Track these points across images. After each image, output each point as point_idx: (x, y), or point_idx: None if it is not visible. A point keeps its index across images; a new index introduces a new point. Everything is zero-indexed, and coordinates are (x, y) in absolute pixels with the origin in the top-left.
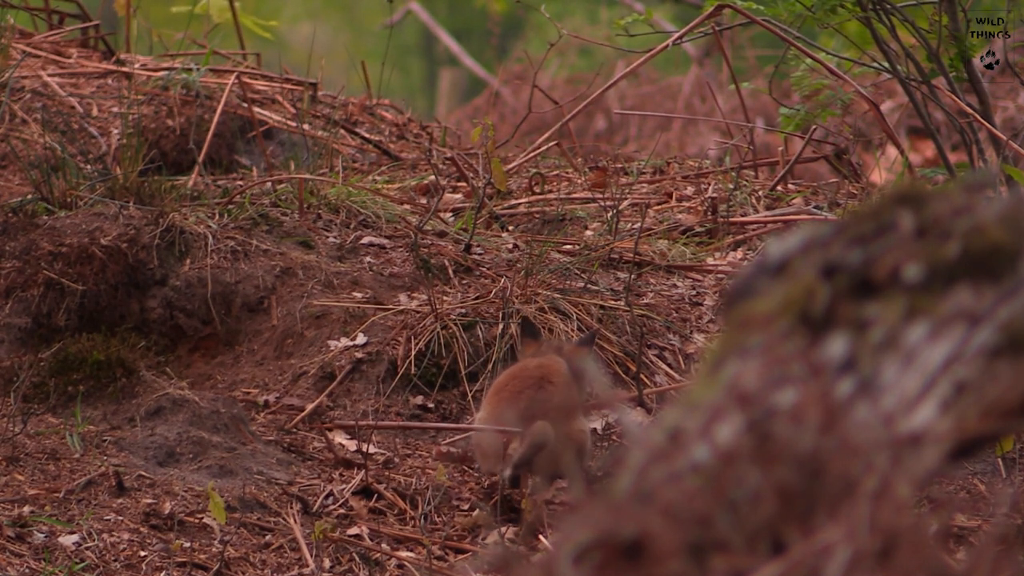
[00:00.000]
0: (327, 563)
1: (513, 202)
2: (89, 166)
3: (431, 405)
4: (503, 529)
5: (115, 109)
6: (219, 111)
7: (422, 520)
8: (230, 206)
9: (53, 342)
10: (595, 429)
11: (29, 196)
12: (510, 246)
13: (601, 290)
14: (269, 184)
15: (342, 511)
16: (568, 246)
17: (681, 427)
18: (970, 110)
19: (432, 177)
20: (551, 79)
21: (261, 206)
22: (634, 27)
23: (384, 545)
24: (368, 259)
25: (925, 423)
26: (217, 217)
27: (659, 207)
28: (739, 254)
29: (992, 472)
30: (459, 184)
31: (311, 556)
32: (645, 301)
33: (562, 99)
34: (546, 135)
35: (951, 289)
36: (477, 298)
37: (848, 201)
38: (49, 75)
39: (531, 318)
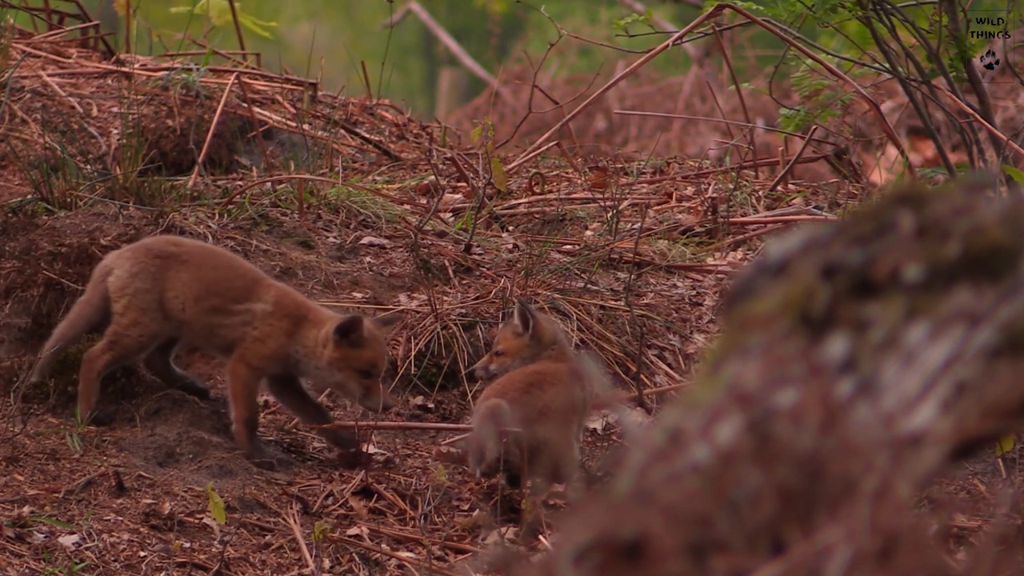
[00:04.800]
0: (327, 563)
1: (513, 202)
2: (89, 166)
3: (431, 405)
4: (503, 529)
5: (115, 109)
6: (219, 111)
7: (422, 520)
8: (230, 206)
9: None
10: (595, 429)
11: (29, 196)
12: (510, 246)
13: (601, 290)
14: (269, 184)
15: (342, 511)
16: (568, 246)
17: (681, 427)
18: (970, 110)
19: (432, 177)
20: (551, 79)
21: (261, 206)
22: (634, 27)
23: (384, 545)
24: (368, 259)
25: (925, 423)
26: (217, 217)
27: (659, 207)
28: (739, 254)
29: (992, 472)
30: (459, 184)
31: (311, 556)
32: (645, 301)
33: (562, 99)
34: (546, 135)
35: (951, 289)
36: (477, 298)
37: (848, 201)
38: (49, 75)
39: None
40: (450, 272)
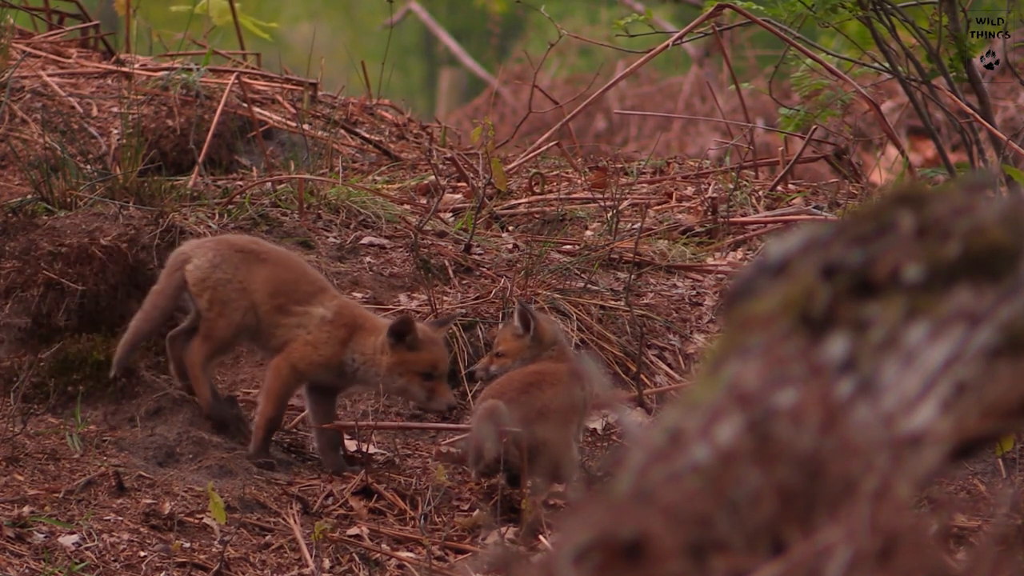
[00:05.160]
0: (327, 563)
1: (513, 202)
2: (89, 166)
3: None
4: (503, 529)
5: (115, 109)
6: (219, 111)
7: (422, 520)
8: (230, 206)
9: (53, 342)
10: (595, 429)
11: (29, 196)
12: (510, 246)
13: (601, 290)
14: (269, 184)
15: (342, 511)
16: (568, 246)
17: (681, 427)
18: (970, 110)
19: (432, 177)
20: (551, 79)
21: (261, 206)
22: (634, 27)
23: (384, 545)
24: (368, 259)
25: (925, 423)
26: (217, 217)
27: (659, 207)
28: (739, 254)
29: (992, 472)
30: (459, 184)
31: (311, 556)
32: (645, 301)
33: (562, 99)
34: (546, 135)
35: (951, 289)
36: (477, 298)
37: (848, 201)
38: (49, 75)
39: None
40: (450, 272)
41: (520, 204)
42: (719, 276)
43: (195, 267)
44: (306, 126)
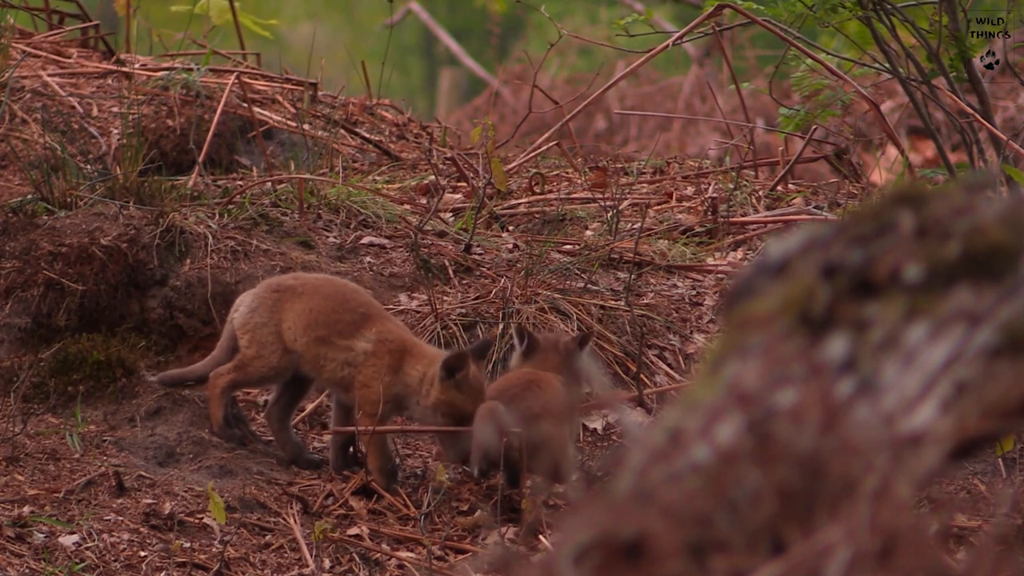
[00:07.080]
0: (327, 563)
1: (513, 202)
2: (89, 166)
3: None
4: (503, 529)
5: (115, 109)
6: (219, 111)
7: (422, 520)
8: (230, 206)
9: (53, 342)
10: (595, 429)
11: (29, 196)
12: (510, 246)
13: (601, 290)
14: (269, 184)
15: (342, 511)
16: (568, 246)
17: (681, 427)
18: (970, 110)
19: (432, 177)
20: (551, 79)
21: (261, 206)
22: (634, 27)
23: (384, 545)
24: (368, 259)
25: (925, 423)
26: (217, 217)
27: (659, 207)
28: (739, 254)
29: (992, 472)
30: (459, 184)
31: (311, 556)
32: (645, 301)
33: (562, 99)
34: (546, 135)
35: (951, 289)
36: (477, 298)
37: (848, 201)
38: (49, 75)
39: (526, 324)
40: (450, 272)
41: (520, 204)
42: (719, 276)
43: (239, 314)
44: (306, 126)
